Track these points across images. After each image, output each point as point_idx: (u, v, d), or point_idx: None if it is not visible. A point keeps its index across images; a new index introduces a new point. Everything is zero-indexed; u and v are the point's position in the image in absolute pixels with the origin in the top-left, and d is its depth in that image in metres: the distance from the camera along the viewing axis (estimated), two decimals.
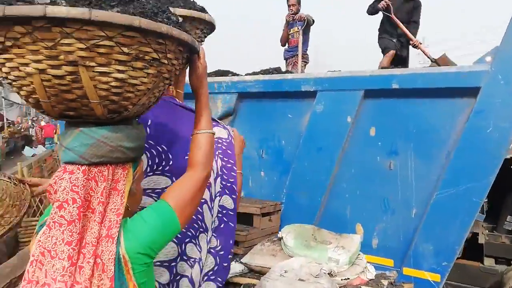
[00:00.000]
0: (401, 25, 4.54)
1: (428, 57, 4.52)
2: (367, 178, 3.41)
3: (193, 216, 1.36)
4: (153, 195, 1.43)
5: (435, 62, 3.93)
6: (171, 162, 1.48)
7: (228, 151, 1.69)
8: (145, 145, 1.23)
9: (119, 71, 0.92)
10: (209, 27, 1.61)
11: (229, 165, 1.67)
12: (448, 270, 3.03)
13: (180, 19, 1.08)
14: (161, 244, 1.06)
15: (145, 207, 1.11)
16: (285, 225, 3.44)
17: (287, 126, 3.71)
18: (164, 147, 1.47)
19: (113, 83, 0.92)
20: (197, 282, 1.49)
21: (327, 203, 3.57)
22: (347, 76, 3.39)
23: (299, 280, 2.61)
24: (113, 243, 0.96)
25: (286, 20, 5.30)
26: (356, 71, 3.41)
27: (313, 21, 5.37)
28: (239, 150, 1.66)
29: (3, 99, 21.55)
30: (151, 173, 1.45)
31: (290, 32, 5.36)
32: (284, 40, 5.50)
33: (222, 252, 1.59)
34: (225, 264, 1.60)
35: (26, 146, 12.95)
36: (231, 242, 1.62)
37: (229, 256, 1.61)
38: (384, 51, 4.70)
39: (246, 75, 4.15)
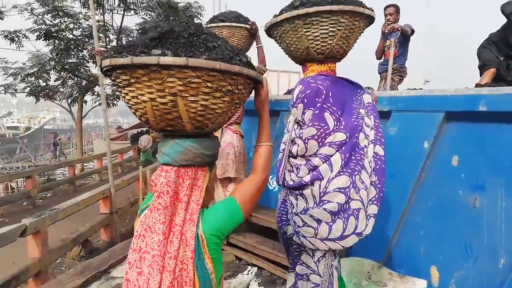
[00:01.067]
0: None
1: None
2: (447, 214, 2.93)
3: (357, 157, 2.04)
4: (333, 146, 2.04)
5: None
6: (343, 122, 2.06)
7: (376, 112, 2.20)
8: (329, 110, 2.04)
9: (203, 100, 1.25)
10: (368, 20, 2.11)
11: (378, 122, 2.17)
12: None
13: (250, 58, 1.41)
14: (227, 230, 1.34)
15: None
16: (350, 257, 3.19)
17: None
18: (339, 112, 2.07)
19: (199, 108, 1.26)
20: (366, 204, 2.04)
21: (398, 238, 3.18)
22: (425, 95, 2.98)
23: None
24: (194, 225, 1.27)
25: (382, 31, 4.92)
26: (436, 89, 2.98)
27: (413, 31, 4.86)
28: None
29: None
30: (333, 131, 2.05)
31: (386, 44, 4.95)
32: (380, 53, 5.10)
33: (379, 186, 2.09)
34: (381, 194, 2.09)
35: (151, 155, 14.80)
36: (383, 179, 2.11)
37: (383, 189, 2.10)
38: (483, 67, 3.89)
39: None
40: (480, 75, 3.97)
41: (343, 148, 2.04)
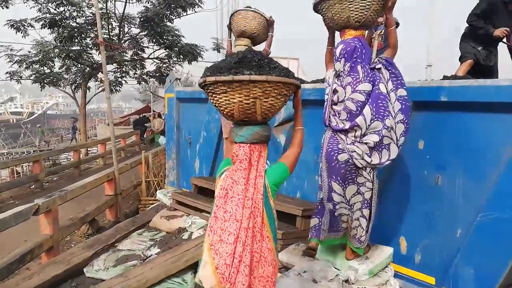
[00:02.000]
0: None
1: None
2: (414, 192, 3.32)
3: (384, 104, 2.82)
4: (362, 93, 2.87)
5: None
6: (370, 75, 2.88)
7: (391, 66, 2.91)
8: (361, 64, 2.87)
9: (271, 101, 1.94)
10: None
11: (394, 72, 2.90)
12: None
13: (294, 73, 2.05)
14: (281, 181, 2.07)
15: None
16: None
17: None
18: (367, 66, 2.91)
19: (268, 106, 1.95)
20: (396, 138, 2.86)
21: (376, 215, 3.56)
22: None
23: (312, 281, 2.80)
24: (262, 179, 1.96)
25: None
26: (406, 82, 3.32)
27: (397, 24, 5.13)
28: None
29: (151, 94, 25.14)
30: (361, 81, 2.87)
31: (372, 37, 5.24)
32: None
33: (406, 121, 2.87)
34: (407, 127, 2.88)
35: (161, 136, 15.17)
36: (409, 114, 2.88)
37: (408, 123, 2.87)
38: (462, 58, 4.26)
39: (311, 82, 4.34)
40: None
41: (370, 98, 2.83)
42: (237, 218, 1.89)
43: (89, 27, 12.32)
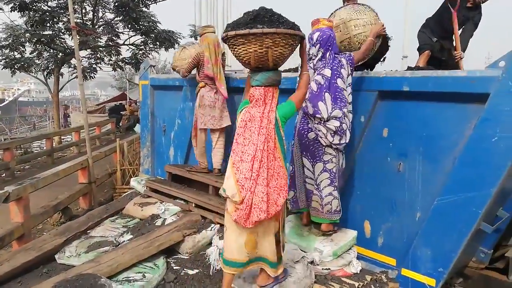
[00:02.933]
0: (456, 29, 4.09)
1: None
2: (377, 178, 3.47)
3: (342, 95, 3.17)
4: (324, 77, 3.23)
5: None
6: (333, 63, 3.25)
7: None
8: (330, 52, 3.23)
9: (281, 49, 2.40)
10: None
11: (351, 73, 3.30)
12: (444, 277, 3.00)
13: (299, 26, 2.47)
14: (289, 115, 2.56)
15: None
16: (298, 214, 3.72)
17: None
18: (334, 55, 3.28)
19: (278, 54, 2.41)
20: (347, 114, 3.26)
21: (342, 200, 3.71)
22: (363, 76, 3.45)
23: None
24: (274, 112, 2.48)
25: None
26: (373, 72, 3.45)
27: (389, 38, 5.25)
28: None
29: (128, 81, 24.69)
30: (325, 67, 3.26)
31: None
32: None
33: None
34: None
35: (137, 123, 14.99)
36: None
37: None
38: (420, 49, 4.40)
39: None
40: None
41: (330, 87, 3.16)
42: (254, 142, 2.44)
43: (62, 11, 11.94)
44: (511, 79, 2.64)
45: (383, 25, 3.38)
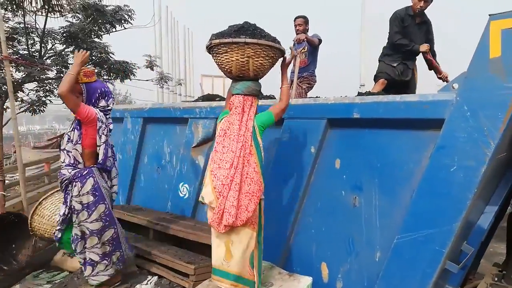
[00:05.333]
0: (435, 63, 4.20)
1: None
2: (332, 213, 3.14)
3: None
4: None
5: None
6: None
7: None
8: None
9: (261, 60, 2.56)
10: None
11: None
12: None
13: (280, 42, 2.65)
14: (267, 125, 2.70)
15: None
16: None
17: None
18: None
19: (258, 65, 2.57)
20: None
21: (293, 239, 3.35)
22: (310, 103, 3.18)
23: None
24: (251, 121, 2.61)
25: (294, 42, 5.12)
26: (320, 98, 3.19)
27: (320, 40, 5.13)
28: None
29: None
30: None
31: (296, 53, 5.15)
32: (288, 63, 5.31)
33: None
34: None
35: None
36: None
37: None
38: (376, 78, 4.31)
39: None
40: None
41: None
42: (232, 150, 2.55)
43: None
44: (466, 103, 2.42)
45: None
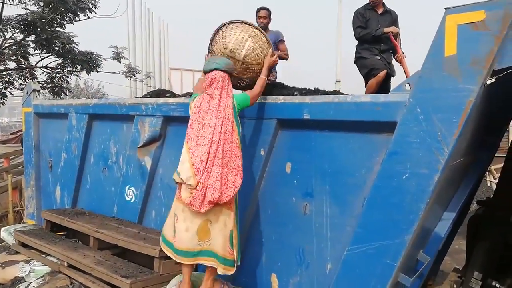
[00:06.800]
0: (394, 41, 4.09)
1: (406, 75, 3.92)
2: (283, 222, 2.92)
3: None
4: None
5: None
6: None
7: None
8: None
9: (258, 45, 2.99)
10: None
11: None
12: None
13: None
14: (242, 106, 2.72)
15: None
16: (198, 272, 3.04)
17: None
18: None
19: (253, 46, 2.96)
20: None
21: (245, 248, 3.10)
22: (260, 103, 2.92)
23: None
24: (231, 98, 2.64)
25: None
26: (270, 97, 2.93)
27: (287, 54, 4.87)
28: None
29: None
30: None
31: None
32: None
33: None
34: None
35: None
36: None
37: None
38: (373, 71, 4.03)
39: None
40: (366, 82, 4.13)
41: None
42: (211, 125, 2.51)
43: None
44: (420, 105, 2.21)
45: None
